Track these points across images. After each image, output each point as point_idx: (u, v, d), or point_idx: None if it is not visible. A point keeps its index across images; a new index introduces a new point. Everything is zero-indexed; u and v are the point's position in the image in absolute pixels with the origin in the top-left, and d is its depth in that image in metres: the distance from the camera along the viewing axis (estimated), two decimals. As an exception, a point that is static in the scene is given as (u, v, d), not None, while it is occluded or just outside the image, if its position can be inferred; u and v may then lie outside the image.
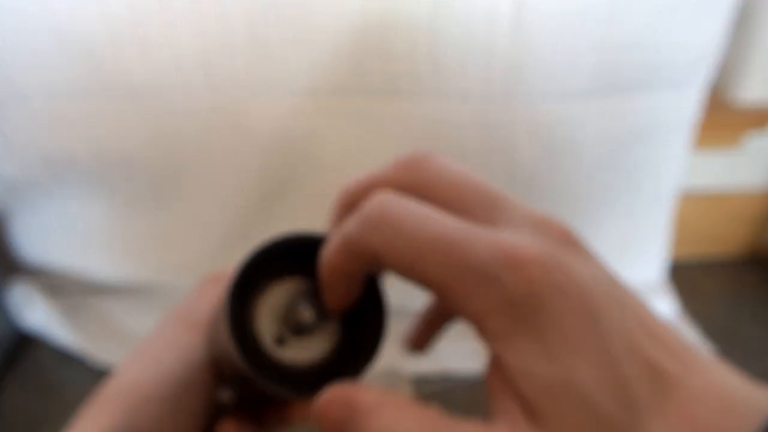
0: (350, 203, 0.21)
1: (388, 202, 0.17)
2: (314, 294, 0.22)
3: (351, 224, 0.18)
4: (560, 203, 0.49)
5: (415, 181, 0.19)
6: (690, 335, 0.52)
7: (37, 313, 0.51)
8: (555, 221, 0.18)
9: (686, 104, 0.47)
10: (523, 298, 0.16)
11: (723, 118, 0.52)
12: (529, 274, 0.16)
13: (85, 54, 0.41)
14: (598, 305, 0.16)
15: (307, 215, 0.49)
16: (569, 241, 0.18)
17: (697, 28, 0.42)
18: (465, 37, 0.40)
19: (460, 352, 0.51)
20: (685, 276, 0.60)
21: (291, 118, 0.44)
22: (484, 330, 0.17)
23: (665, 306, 0.55)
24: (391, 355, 0.51)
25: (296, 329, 0.23)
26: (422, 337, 0.28)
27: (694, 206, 0.59)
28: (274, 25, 0.40)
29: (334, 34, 0.40)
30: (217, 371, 0.26)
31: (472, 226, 0.17)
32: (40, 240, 0.52)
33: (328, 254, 0.20)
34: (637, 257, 0.55)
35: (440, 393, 0.47)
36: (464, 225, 0.17)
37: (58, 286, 0.56)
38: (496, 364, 0.18)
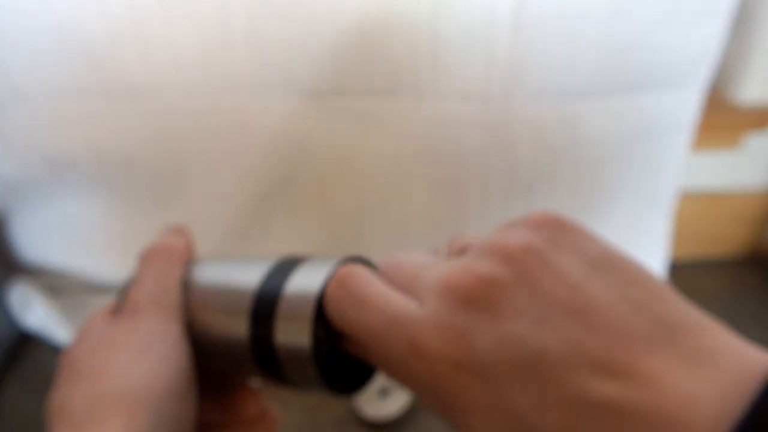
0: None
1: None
2: None
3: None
4: (560, 203, 0.49)
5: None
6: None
7: (37, 313, 0.51)
8: (460, 276, 0.19)
9: (686, 104, 0.47)
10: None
11: (723, 118, 0.52)
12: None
13: (85, 54, 0.41)
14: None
15: (307, 215, 0.49)
16: (475, 300, 0.18)
17: (697, 29, 0.42)
18: (465, 37, 0.40)
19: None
20: (684, 276, 0.60)
21: (291, 118, 0.44)
22: None
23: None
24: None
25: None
26: None
27: (694, 206, 0.60)
28: (274, 25, 0.40)
29: (334, 34, 0.40)
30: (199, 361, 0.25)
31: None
32: (40, 240, 0.52)
33: None
34: (636, 257, 0.55)
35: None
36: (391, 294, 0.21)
37: (58, 286, 0.56)
38: None
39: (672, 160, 0.50)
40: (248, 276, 0.24)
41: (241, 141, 0.45)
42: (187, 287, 0.26)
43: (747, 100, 0.54)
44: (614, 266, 0.19)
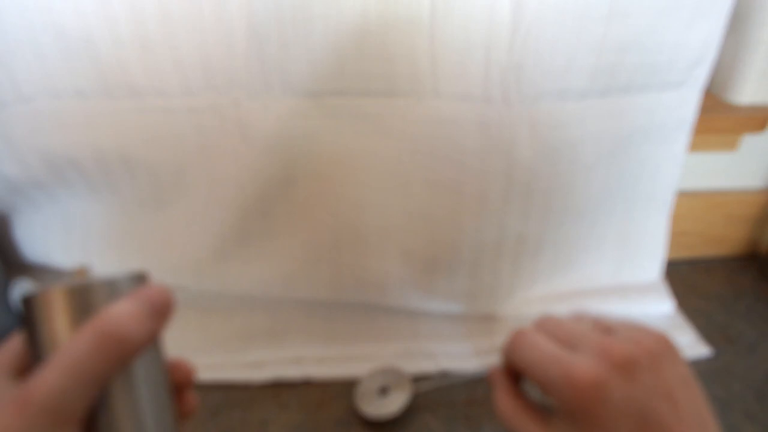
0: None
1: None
2: None
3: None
4: (559, 203, 0.49)
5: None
6: (688, 335, 0.52)
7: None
8: (617, 348, 0.29)
9: (685, 105, 0.47)
10: (575, 407, 0.28)
11: (721, 119, 0.52)
12: (581, 390, 0.27)
13: (86, 55, 0.41)
14: (641, 412, 0.27)
15: (307, 215, 0.49)
16: (626, 364, 0.28)
17: (695, 29, 0.43)
18: (465, 37, 0.40)
19: (459, 352, 0.51)
20: (683, 276, 0.60)
21: (291, 118, 0.44)
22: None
23: (663, 306, 0.55)
24: (392, 355, 0.52)
25: None
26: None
27: (692, 206, 0.60)
28: (274, 25, 0.40)
29: (334, 34, 0.40)
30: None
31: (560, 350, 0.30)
32: (41, 240, 0.52)
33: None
34: (635, 257, 0.55)
35: (440, 392, 0.47)
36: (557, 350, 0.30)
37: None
38: None
39: (671, 160, 0.50)
40: None
41: (241, 141, 0.45)
42: (109, 401, 0.22)
43: (745, 101, 0.54)
44: (690, 388, 0.29)
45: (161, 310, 0.24)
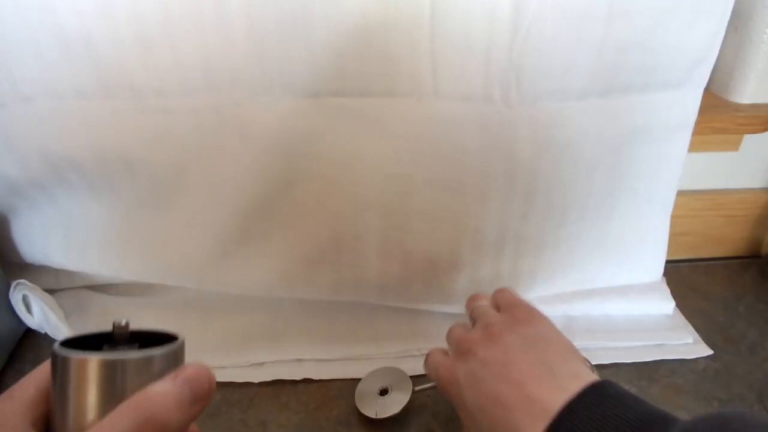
0: None
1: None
2: None
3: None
4: (559, 203, 0.49)
5: None
6: (688, 335, 0.52)
7: (36, 313, 0.51)
8: (462, 339, 0.39)
9: (685, 104, 0.47)
10: (447, 396, 0.38)
11: (722, 119, 0.52)
12: (443, 382, 0.38)
13: (85, 54, 0.41)
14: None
15: (307, 215, 0.49)
16: (466, 350, 0.37)
17: (696, 29, 0.42)
18: (465, 37, 0.40)
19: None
20: (683, 276, 0.60)
21: (291, 118, 0.44)
22: None
23: (663, 306, 0.55)
24: (392, 355, 0.52)
25: None
26: None
27: (692, 206, 0.60)
28: (274, 25, 0.40)
29: (334, 34, 0.40)
30: None
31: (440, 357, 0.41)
32: (41, 240, 0.52)
33: None
34: (635, 257, 0.55)
35: (440, 393, 0.47)
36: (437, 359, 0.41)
37: (59, 286, 0.56)
38: None
39: (671, 160, 0.50)
40: None
41: (241, 141, 0.45)
42: None
43: (746, 101, 0.54)
44: (537, 341, 0.35)
45: (202, 395, 0.23)
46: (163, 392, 0.22)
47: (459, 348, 0.38)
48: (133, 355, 0.23)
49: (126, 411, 0.21)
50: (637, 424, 0.26)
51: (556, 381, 0.31)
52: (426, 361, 0.42)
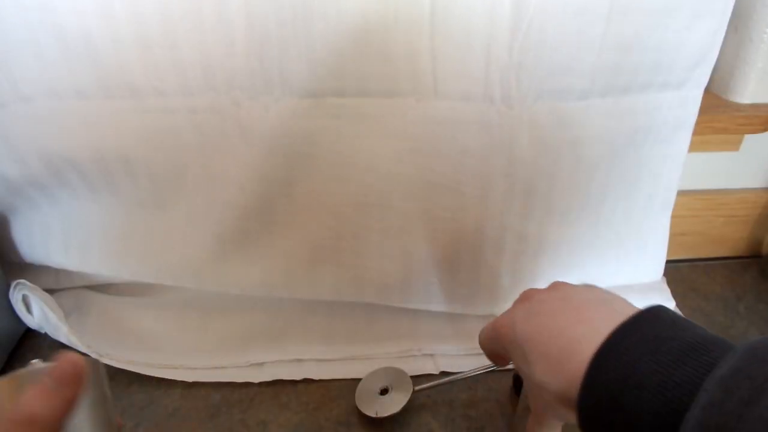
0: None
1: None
2: None
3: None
4: (560, 203, 0.49)
5: None
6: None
7: (37, 313, 0.51)
8: (524, 291, 0.38)
9: (686, 104, 0.47)
10: (506, 343, 0.35)
11: (722, 119, 0.52)
12: (499, 327, 0.36)
13: (85, 54, 0.41)
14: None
15: (307, 215, 0.49)
16: (525, 296, 0.37)
17: (696, 29, 0.42)
18: (465, 36, 0.40)
19: (459, 352, 0.51)
20: (683, 276, 0.60)
21: (291, 118, 0.44)
22: None
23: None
24: (392, 355, 0.52)
25: None
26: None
27: (692, 206, 0.60)
28: (273, 25, 0.40)
29: (334, 34, 0.40)
30: None
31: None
32: (40, 240, 0.52)
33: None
34: (636, 257, 0.55)
35: (440, 392, 0.47)
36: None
37: (58, 286, 0.56)
38: None
39: (672, 160, 0.50)
40: None
41: (241, 141, 0.45)
42: None
43: (746, 101, 0.54)
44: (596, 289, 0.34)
45: (68, 380, 0.26)
46: (29, 393, 0.25)
47: (520, 298, 0.37)
48: (24, 370, 0.26)
49: (2, 423, 0.24)
50: (692, 345, 0.25)
51: (611, 307, 0.30)
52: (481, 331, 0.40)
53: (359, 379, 0.47)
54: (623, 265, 0.55)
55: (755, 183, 0.61)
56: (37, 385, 0.26)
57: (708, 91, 0.47)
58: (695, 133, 0.49)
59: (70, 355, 0.27)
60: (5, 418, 0.24)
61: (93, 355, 0.49)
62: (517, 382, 0.46)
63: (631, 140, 0.47)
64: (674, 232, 0.55)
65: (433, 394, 0.46)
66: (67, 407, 0.26)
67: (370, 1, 0.39)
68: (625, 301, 0.32)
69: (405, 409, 0.44)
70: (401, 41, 0.41)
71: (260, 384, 0.48)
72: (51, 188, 0.49)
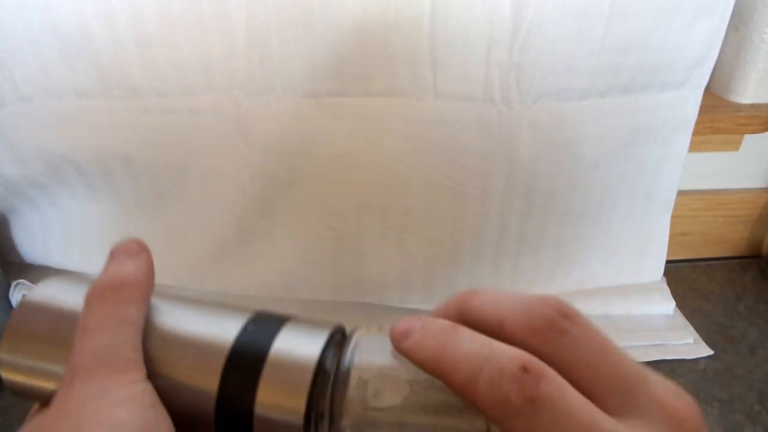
0: (462, 317, 0.20)
1: (546, 381, 0.16)
2: None
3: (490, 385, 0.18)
4: (560, 203, 0.49)
5: (551, 353, 0.17)
6: (688, 335, 0.52)
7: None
8: (689, 411, 0.19)
9: (686, 104, 0.47)
10: None
11: (722, 119, 0.52)
12: None
13: (85, 54, 0.41)
14: None
15: (308, 215, 0.49)
16: None
17: (696, 29, 0.42)
18: (465, 37, 0.40)
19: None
20: (683, 276, 0.60)
21: (291, 118, 0.44)
22: None
23: (663, 306, 0.55)
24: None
25: None
26: None
27: (692, 206, 0.60)
28: (274, 25, 0.40)
29: (334, 34, 0.40)
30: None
31: (606, 418, 0.17)
32: (41, 240, 0.52)
33: None
34: (636, 257, 0.55)
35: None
36: (604, 419, 0.17)
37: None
38: None
39: (672, 160, 0.50)
40: (224, 327, 0.20)
41: (241, 141, 0.45)
42: (146, 336, 0.21)
43: (746, 101, 0.54)
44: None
45: (138, 249, 0.25)
46: (101, 273, 0.24)
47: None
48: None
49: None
50: None
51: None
52: None
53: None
54: (623, 264, 0.55)
55: (755, 183, 0.61)
56: (113, 259, 0.24)
57: (708, 91, 0.47)
58: (695, 133, 0.49)
59: (127, 239, 0.25)
60: (95, 288, 0.22)
61: None
62: None
63: (631, 140, 0.47)
64: (674, 232, 0.55)
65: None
66: (149, 269, 0.24)
67: (370, 1, 0.39)
68: None
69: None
70: (401, 41, 0.41)
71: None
72: (51, 188, 0.49)
